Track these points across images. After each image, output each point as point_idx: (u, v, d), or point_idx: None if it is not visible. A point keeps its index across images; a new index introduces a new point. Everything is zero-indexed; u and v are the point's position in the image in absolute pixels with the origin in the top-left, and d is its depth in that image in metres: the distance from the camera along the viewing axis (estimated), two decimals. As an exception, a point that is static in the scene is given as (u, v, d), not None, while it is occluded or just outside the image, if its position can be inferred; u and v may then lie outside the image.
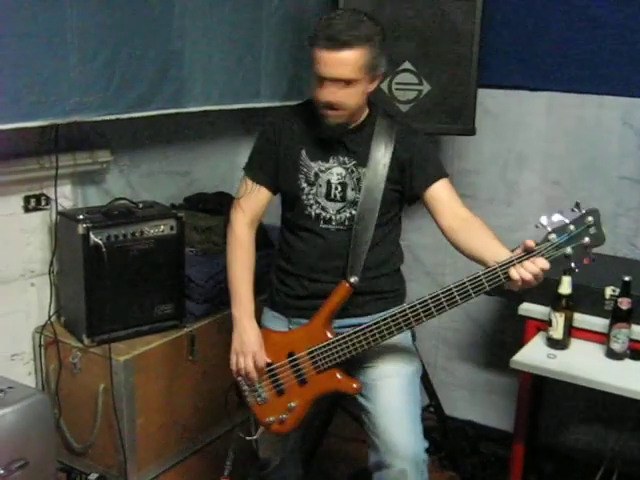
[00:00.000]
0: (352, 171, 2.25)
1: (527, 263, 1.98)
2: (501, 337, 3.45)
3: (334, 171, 2.26)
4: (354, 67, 2.09)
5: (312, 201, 2.27)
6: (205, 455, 3.31)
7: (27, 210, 2.99)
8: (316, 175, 2.26)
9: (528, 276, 1.97)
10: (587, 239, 1.97)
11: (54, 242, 3.03)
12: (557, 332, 2.69)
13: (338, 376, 2.28)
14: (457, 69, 2.94)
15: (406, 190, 2.29)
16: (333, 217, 2.27)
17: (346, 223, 2.27)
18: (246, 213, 2.37)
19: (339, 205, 2.26)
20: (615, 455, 2.96)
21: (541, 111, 3.25)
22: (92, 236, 2.85)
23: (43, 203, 3.02)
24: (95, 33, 2.67)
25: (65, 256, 3.03)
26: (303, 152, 2.28)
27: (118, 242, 2.92)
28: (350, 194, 2.25)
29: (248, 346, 2.32)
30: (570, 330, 2.71)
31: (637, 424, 3.02)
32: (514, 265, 1.98)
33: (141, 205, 3.11)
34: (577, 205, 1.99)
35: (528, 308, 2.83)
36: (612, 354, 2.63)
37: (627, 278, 2.58)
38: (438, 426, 3.25)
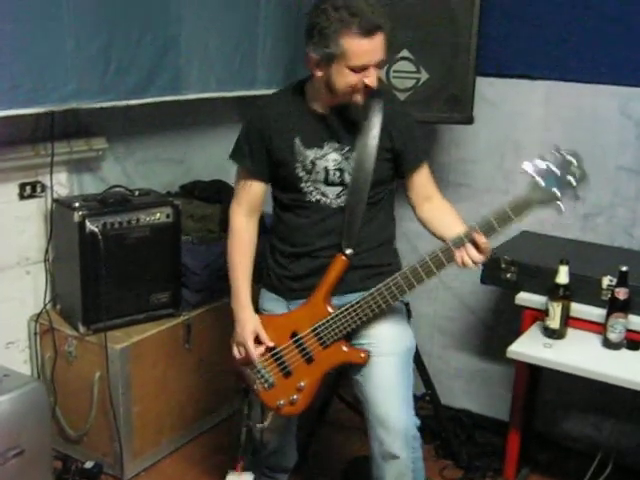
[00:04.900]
0: (347, 157, 2.26)
1: (470, 249, 2.10)
2: (497, 326, 3.45)
3: (330, 157, 2.27)
4: (385, 48, 2.13)
5: (311, 188, 2.28)
6: (201, 443, 3.31)
7: (22, 197, 2.97)
8: (312, 163, 2.27)
9: (469, 263, 2.11)
10: (573, 180, 2.06)
11: (49, 230, 3.02)
12: (554, 322, 2.70)
13: (344, 348, 2.32)
14: (455, 57, 2.92)
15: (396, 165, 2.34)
16: (332, 201, 2.29)
17: (344, 204, 2.29)
18: (243, 205, 2.40)
19: (338, 189, 2.28)
20: (611, 445, 2.96)
21: (539, 100, 3.23)
22: (88, 224, 2.83)
23: (38, 190, 3.00)
24: (91, 18, 2.65)
25: (61, 244, 3.02)
26: (296, 140, 2.27)
27: (114, 230, 2.91)
28: (348, 177, 2.27)
29: (240, 337, 2.39)
30: (567, 320, 2.72)
31: (633, 414, 3.03)
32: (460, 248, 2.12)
33: (137, 193, 3.09)
34: (557, 148, 2.07)
35: (525, 297, 2.83)
36: (609, 344, 2.64)
37: (624, 268, 2.58)
38: (434, 415, 3.25)
